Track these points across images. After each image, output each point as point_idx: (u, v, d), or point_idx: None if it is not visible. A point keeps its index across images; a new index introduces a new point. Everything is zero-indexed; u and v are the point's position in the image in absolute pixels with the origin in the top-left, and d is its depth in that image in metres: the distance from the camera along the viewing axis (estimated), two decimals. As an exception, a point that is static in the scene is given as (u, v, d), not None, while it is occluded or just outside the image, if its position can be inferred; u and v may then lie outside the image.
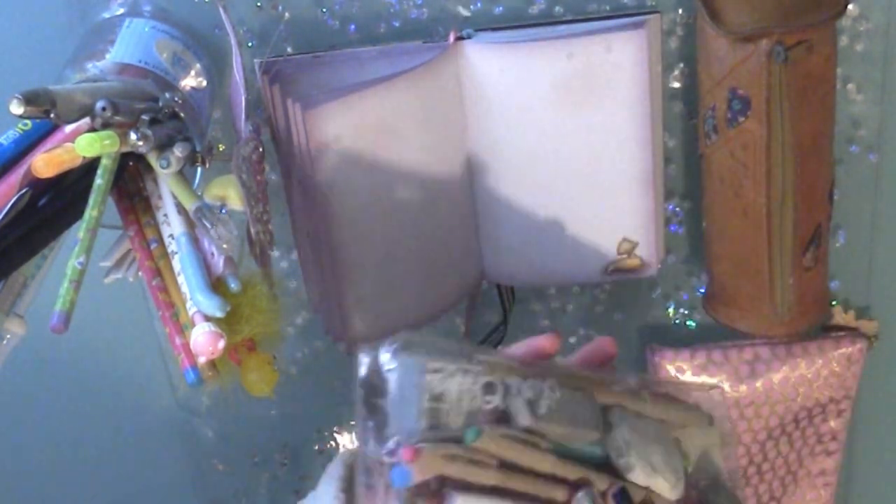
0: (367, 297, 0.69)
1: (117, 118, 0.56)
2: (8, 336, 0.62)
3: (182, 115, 0.61)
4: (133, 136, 0.56)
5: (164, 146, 0.59)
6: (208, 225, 0.57)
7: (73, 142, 0.54)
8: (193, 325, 0.57)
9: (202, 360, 0.57)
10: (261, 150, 0.66)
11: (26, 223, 0.57)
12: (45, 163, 0.52)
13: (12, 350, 0.63)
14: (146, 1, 0.69)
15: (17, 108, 0.53)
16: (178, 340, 0.58)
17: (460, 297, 0.75)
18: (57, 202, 0.59)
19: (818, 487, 0.83)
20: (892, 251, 0.78)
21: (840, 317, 0.78)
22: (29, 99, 0.53)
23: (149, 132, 0.57)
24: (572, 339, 0.81)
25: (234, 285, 0.59)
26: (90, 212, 0.55)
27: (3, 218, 0.55)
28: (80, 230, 0.55)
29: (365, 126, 0.64)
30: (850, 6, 0.69)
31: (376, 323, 0.71)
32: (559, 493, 0.48)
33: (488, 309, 0.79)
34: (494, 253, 0.74)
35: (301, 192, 0.67)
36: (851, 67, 0.71)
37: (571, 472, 0.49)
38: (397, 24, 0.70)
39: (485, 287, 0.78)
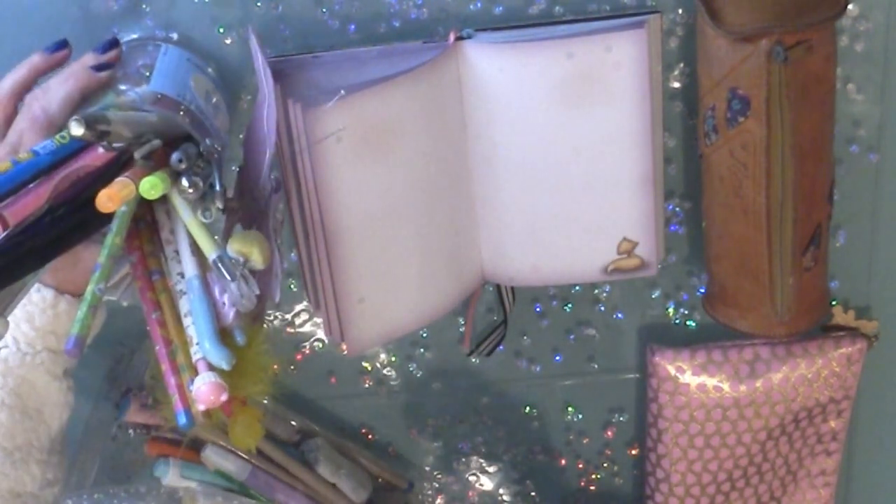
0: (366, 297, 0.69)
1: (182, 166, 0.57)
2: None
3: (217, 162, 0.60)
4: (185, 181, 0.57)
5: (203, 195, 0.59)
6: (228, 277, 0.56)
7: (104, 166, 0.57)
8: (195, 369, 0.56)
9: (201, 407, 0.56)
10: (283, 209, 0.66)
11: (38, 237, 0.56)
12: (109, 198, 0.53)
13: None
14: (163, 25, 0.69)
15: (76, 130, 0.53)
16: (172, 380, 0.56)
17: (460, 297, 0.75)
18: (66, 220, 0.58)
19: (818, 487, 0.83)
20: (892, 251, 0.78)
21: (840, 317, 0.78)
22: (89, 122, 0.53)
23: (198, 180, 0.57)
24: (572, 338, 0.81)
25: (240, 339, 0.58)
26: (112, 238, 0.55)
27: (21, 228, 0.54)
28: (101, 256, 0.55)
29: (365, 126, 0.64)
30: (850, 6, 0.69)
31: (376, 323, 0.71)
32: None
33: (488, 309, 0.79)
34: (494, 253, 0.74)
35: (301, 192, 0.67)
36: (851, 67, 0.71)
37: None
38: (397, 24, 0.70)
39: (485, 287, 0.78)
